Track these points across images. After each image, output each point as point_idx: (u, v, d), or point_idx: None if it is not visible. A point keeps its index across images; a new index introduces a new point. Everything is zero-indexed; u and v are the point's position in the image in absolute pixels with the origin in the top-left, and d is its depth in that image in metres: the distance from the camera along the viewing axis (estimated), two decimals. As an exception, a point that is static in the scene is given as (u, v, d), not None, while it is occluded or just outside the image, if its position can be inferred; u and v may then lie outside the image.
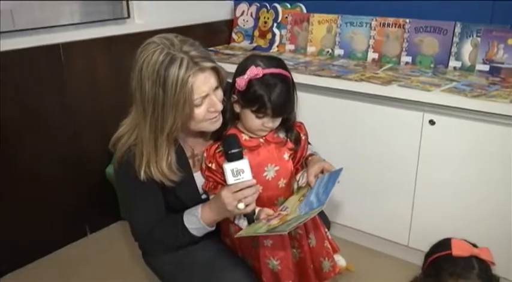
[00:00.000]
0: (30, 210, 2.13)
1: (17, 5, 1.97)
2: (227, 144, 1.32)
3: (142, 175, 1.34)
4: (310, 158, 1.48)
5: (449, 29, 2.09)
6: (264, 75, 1.31)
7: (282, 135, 1.44)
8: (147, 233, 1.43)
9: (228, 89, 1.39)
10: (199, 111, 1.31)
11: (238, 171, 1.28)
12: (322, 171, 1.41)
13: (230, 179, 1.29)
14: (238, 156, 1.30)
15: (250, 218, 1.35)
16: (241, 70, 1.34)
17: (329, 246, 1.51)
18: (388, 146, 1.95)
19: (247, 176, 1.29)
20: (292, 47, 2.54)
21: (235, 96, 1.37)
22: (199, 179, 1.47)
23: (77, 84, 2.18)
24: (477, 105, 1.69)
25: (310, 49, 2.47)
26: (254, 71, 1.30)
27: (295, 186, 1.47)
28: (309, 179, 1.40)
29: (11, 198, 2.05)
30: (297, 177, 1.48)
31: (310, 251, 1.46)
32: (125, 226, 1.49)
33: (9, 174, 2.03)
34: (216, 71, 1.32)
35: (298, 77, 1.42)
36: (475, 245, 1.28)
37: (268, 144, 1.41)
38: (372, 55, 2.30)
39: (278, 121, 1.38)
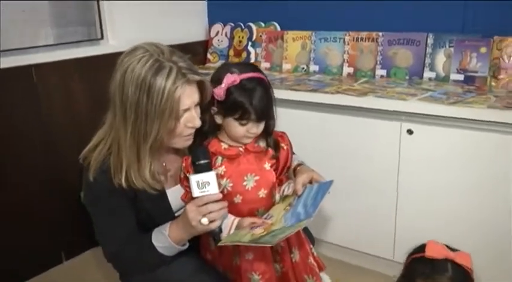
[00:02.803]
0: (3, 235, 2.03)
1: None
2: (195, 155, 1.28)
3: (123, 183, 1.28)
4: (299, 168, 1.45)
5: (422, 40, 2.11)
6: (241, 81, 1.29)
7: (262, 144, 1.41)
8: (118, 251, 1.37)
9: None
10: (177, 125, 1.28)
11: (204, 184, 1.23)
12: (311, 181, 1.38)
13: (195, 191, 1.24)
14: (206, 168, 1.26)
15: (216, 235, 1.29)
16: (216, 80, 1.31)
17: (314, 262, 1.46)
18: (367, 158, 1.93)
19: (213, 189, 1.24)
20: (267, 64, 2.53)
21: (215, 108, 1.34)
22: (172, 195, 1.42)
23: (52, 105, 2.13)
24: (454, 111, 1.69)
25: (286, 66, 2.47)
26: (231, 79, 1.28)
27: (277, 197, 1.43)
28: (297, 187, 1.36)
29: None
30: (283, 187, 1.43)
31: (292, 266, 1.41)
32: (101, 252, 1.45)
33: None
34: (201, 85, 1.29)
35: (274, 93, 1.40)
36: (455, 250, 1.25)
37: (248, 154, 1.38)
38: (347, 70, 2.31)
39: (262, 126, 1.35)
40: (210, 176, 1.24)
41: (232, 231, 1.32)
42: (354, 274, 2.08)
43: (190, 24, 2.71)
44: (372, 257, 2.05)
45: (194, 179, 1.24)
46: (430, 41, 2.10)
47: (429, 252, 1.21)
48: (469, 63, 2.00)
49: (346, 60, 2.31)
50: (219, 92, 1.29)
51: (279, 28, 2.55)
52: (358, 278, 2.05)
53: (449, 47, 2.05)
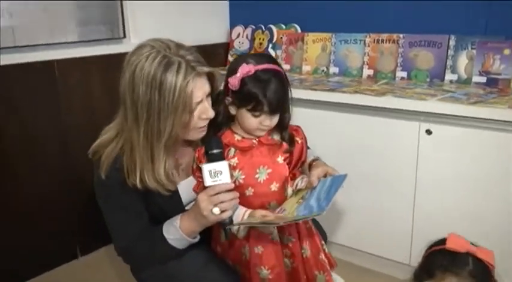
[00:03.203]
0: (18, 229, 2.06)
1: (18, 23, 1.99)
2: (208, 144, 1.28)
3: (138, 183, 1.27)
4: (314, 163, 1.44)
5: (443, 42, 2.08)
6: (256, 71, 1.28)
7: (276, 137, 1.40)
8: (129, 247, 1.37)
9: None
10: (191, 119, 1.28)
11: (216, 173, 1.24)
12: (325, 175, 1.37)
13: (207, 180, 1.24)
14: (219, 158, 1.26)
15: (227, 225, 1.28)
16: (232, 70, 1.31)
17: (325, 259, 1.43)
18: (385, 159, 1.90)
19: (225, 178, 1.24)
20: (287, 66, 2.53)
21: (229, 98, 1.34)
22: (183, 188, 1.41)
23: (72, 100, 2.17)
24: (475, 111, 1.66)
25: (306, 68, 2.46)
26: (246, 69, 1.28)
27: (290, 191, 1.41)
28: (311, 179, 1.35)
29: (-1, 216, 1.99)
30: (296, 182, 1.41)
31: (303, 261, 1.39)
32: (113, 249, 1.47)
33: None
34: (211, 76, 1.30)
35: (292, 92, 1.40)
36: (477, 246, 1.22)
37: (262, 146, 1.37)
38: (367, 72, 2.28)
39: (276, 119, 1.34)
40: (222, 166, 1.24)
41: (241, 228, 1.33)
42: (366, 278, 2.04)
43: (211, 25, 2.74)
44: (387, 260, 2.01)
45: (207, 168, 1.24)
46: (452, 43, 2.06)
47: (450, 245, 1.19)
48: (492, 66, 1.96)
49: (366, 62, 2.29)
50: (234, 81, 1.28)
51: (299, 30, 2.55)
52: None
53: (472, 49, 2.01)
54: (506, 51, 1.92)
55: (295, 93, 1.66)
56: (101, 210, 1.40)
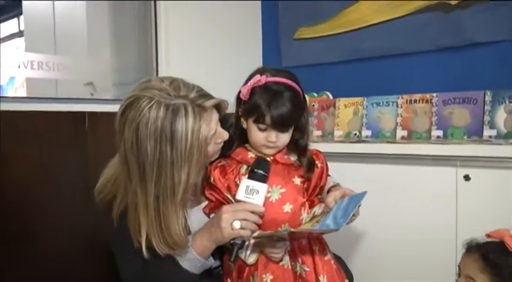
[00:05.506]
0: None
1: (62, 77, 2.13)
2: (257, 163, 1.24)
3: (144, 251, 1.16)
4: (333, 189, 1.34)
5: (479, 98, 1.99)
6: (266, 82, 1.24)
7: (293, 158, 1.31)
8: (139, 274, 1.24)
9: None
10: (207, 155, 1.23)
11: (253, 191, 1.18)
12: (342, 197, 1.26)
13: (240, 194, 1.18)
14: (261, 179, 1.20)
15: (236, 245, 1.19)
16: (247, 79, 1.28)
17: (347, 298, 1.25)
18: (421, 210, 1.73)
19: (258, 200, 1.18)
20: (319, 132, 2.48)
21: (240, 110, 1.29)
22: (194, 216, 1.31)
23: (100, 154, 2.11)
24: (515, 151, 1.52)
25: (338, 133, 2.40)
26: (257, 78, 1.25)
27: (305, 216, 1.28)
28: (328, 200, 1.24)
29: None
30: (314, 209, 1.29)
31: (319, 297, 1.21)
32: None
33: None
34: (218, 105, 1.23)
35: (322, 146, 1.39)
36: None
37: (276, 164, 1.28)
38: (400, 133, 2.19)
39: (283, 137, 1.27)
40: (262, 187, 1.19)
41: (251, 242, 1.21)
42: None
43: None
44: None
45: (246, 182, 1.20)
46: (487, 98, 1.97)
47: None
48: (534, 118, 1.84)
49: (399, 123, 2.20)
50: (244, 91, 1.25)
51: (331, 97, 2.54)
52: None
53: (510, 103, 1.90)
54: (549, 102, 1.81)
55: (324, 147, 1.59)
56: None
